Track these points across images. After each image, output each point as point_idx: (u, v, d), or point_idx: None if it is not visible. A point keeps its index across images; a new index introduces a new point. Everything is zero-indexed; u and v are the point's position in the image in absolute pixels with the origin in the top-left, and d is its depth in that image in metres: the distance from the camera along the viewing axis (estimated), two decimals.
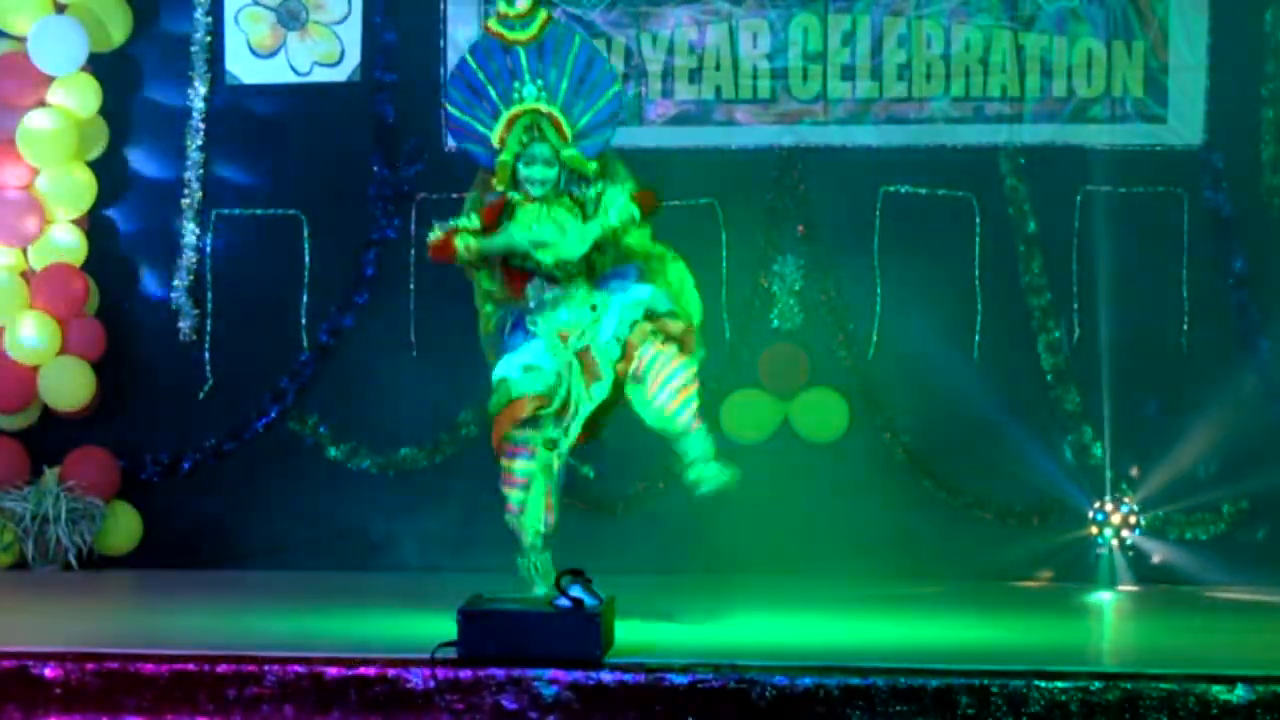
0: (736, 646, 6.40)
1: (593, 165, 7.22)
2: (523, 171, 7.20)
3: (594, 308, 7.16)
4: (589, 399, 7.10)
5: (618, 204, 7.18)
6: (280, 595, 8.05)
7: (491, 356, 7.36)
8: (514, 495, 7.18)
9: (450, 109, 7.45)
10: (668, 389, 7.07)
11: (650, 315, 7.12)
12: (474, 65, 7.28)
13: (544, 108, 7.21)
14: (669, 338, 7.12)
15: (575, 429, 7.14)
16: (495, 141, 7.26)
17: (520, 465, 7.15)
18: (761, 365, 9.08)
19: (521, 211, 7.20)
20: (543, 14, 7.24)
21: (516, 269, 7.26)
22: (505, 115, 7.24)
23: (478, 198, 7.38)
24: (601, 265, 7.28)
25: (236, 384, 9.28)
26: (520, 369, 7.11)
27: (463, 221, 7.27)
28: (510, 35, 7.22)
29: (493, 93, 7.26)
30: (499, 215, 7.25)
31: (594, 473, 7.42)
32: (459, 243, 7.24)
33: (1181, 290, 8.93)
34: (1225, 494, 8.86)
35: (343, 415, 9.24)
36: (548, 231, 7.13)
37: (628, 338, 7.09)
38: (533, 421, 7.11)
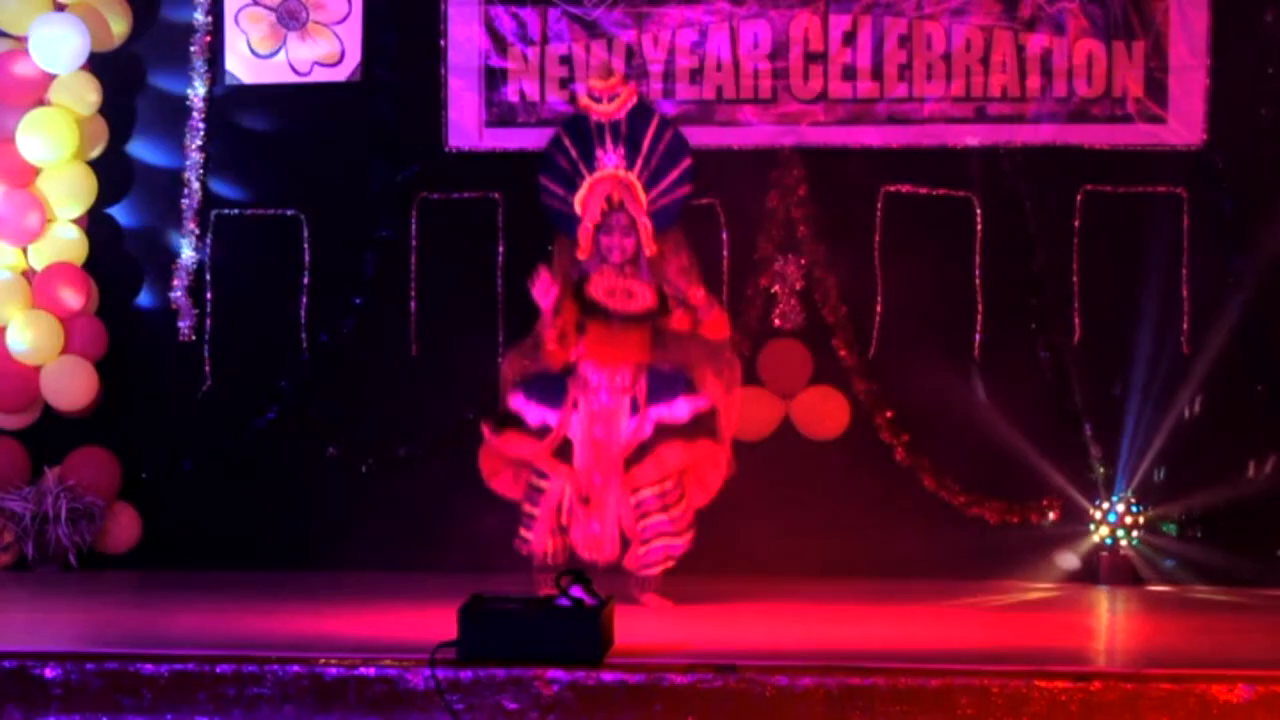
0: (736, 646, 6.40)
1: (653, 247, 7.73)
2: (603, 240, 7.72)
3: (632, 401, 7.67)
4: (587, 487, 7.66)
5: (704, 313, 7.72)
6: (280, 595, 8.05)
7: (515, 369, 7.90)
8: (528, 536, 7.77)
9: (541, 182, 7.92)
10: (648, 550, 7.69)
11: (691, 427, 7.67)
12: (563, 138, 7.90)
13: (623, 175, 7.75)
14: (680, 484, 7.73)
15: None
16: (577, 206, 7.78)
17: (529, 510, 7.77)
18: (762, 364, 9.08)
19: (598, 278, 7.75)
20: (626, 91, 7.85)
21: (600, 323, 7.75)
22: (588, 181, 7.78)
23: (559, 254, 7.93)
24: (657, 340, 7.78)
25: (236, 384, 9.29)
26: (540, 425, 7.70)
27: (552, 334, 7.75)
28: (597, 107, 7.80)
29: (578, 161, 7.82)
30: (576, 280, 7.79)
31: None
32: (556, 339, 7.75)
33: (1181, 290, 8.93)
34: (1224, 494, 8.85)
35: (342, 415, 9.24)
36: (618, 295, 7.74)
37: (656, 450, 7.65)
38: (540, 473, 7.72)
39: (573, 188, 7.82)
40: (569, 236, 7.83)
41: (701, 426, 7.68)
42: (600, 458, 7.63)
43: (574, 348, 7.74)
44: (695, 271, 7.82)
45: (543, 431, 7.66)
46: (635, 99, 7.85)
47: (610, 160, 7.77)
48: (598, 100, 7.83)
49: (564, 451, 7.67)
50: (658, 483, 7.62)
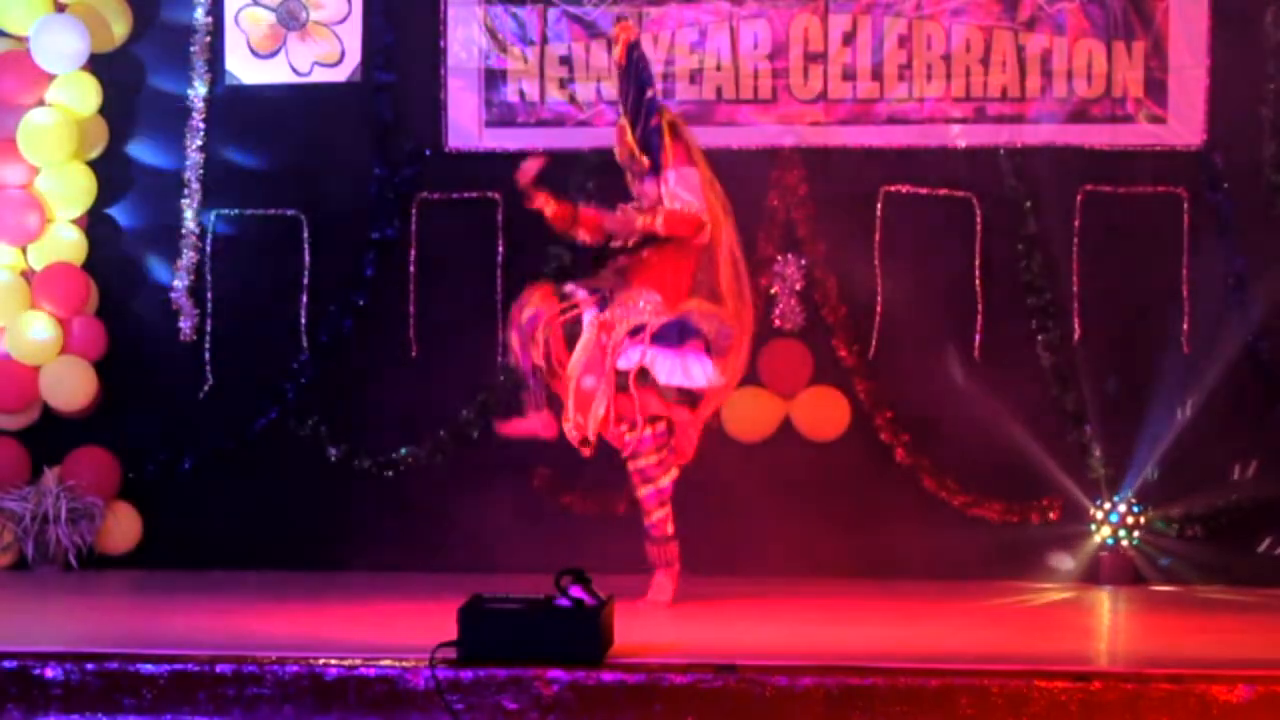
0: (736, 646, 6.40)
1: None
2: (635, 187, 7.92)
3: (635, 329, 7.65)
4: (574, 388, 7.65)
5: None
6: (280, 595, 8.05)
7: None
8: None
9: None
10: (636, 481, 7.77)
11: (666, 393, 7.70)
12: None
13: (621, 120, 7.91)
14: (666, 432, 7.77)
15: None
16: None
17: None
18: (762, 364, 9.08)
19: None
20: (624, 34, 7.94)
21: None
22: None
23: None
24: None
25: (236, 384, 9.28)
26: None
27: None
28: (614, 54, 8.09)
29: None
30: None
31: None
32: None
33: (1181, 290, 8.93)
34: (1225, 494, 8.85)
35: (342, 415, 9.24)
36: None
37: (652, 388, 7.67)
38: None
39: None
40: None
41: (687, 397, 7.73)
42: (596, 363, 7.61)
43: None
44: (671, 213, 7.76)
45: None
46: (631, 35, 7.91)
47: (619, 109, 7.97)
48: (613, 45, 8.03)
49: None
50: (646, 424, 7.68)
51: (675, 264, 7.75)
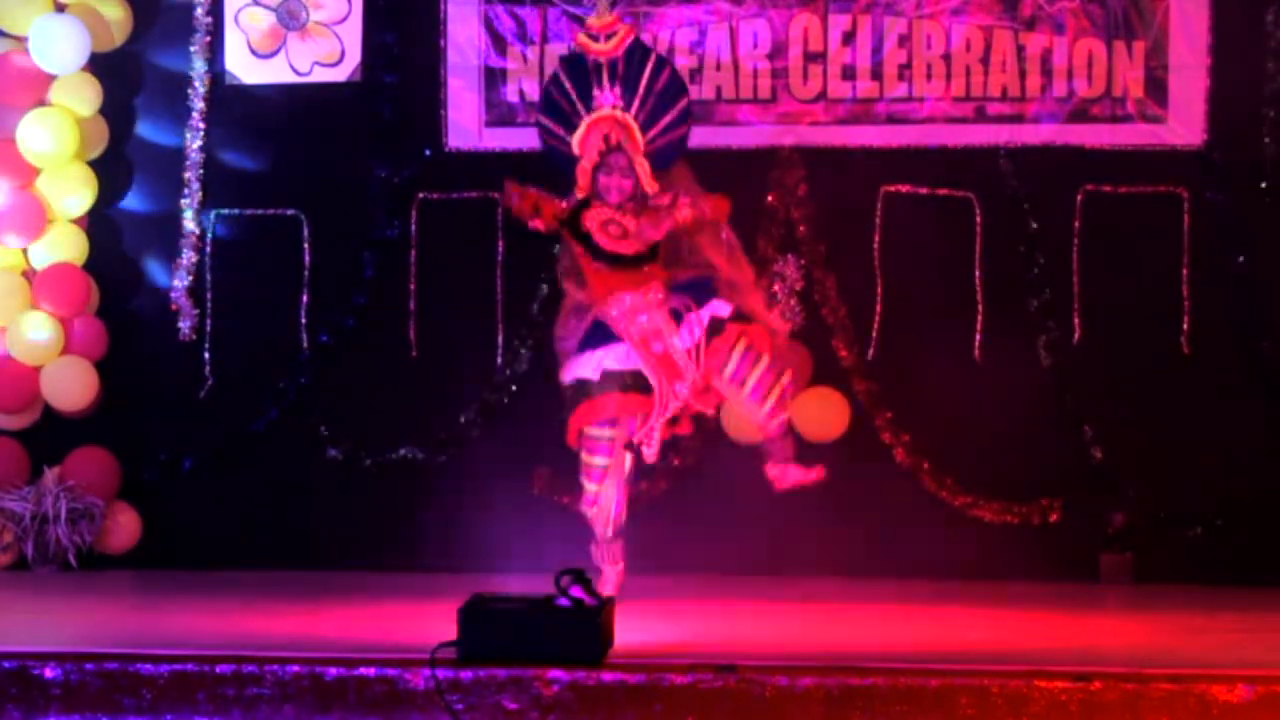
0: (736, 646, 6.40)
1: (653, 186, 7.70)
2: (601, 180, 7.68)
3: (674, 313, 7.63)
4: (674, 398, 7.62)
5: (688, 204, 7.62)
6: (280, 595, 8.05)
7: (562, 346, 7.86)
8: (591, 486, 7.69)
9: (541, 121, 7.91)
10: (759, 390, 7.64)
11: (733, 319, 7.66)
12: (562, 77, 7.85)
13: (620, 115, 7.70)
14: (751, 344, 7.65)
15: (658, 430, 7.66)
16: (576, 146, 7.74)
17: (599, 460, 7.65)
18: None
19: (594, 210, 7.67)
20: (623, 29, 7.80)
21: (598, 266, 7.68)
22: (585, 121, 7.73)
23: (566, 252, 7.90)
24: (678, 264, 7.77)
25: (236, 384, 9.28)
26: (601, 372, 7.62)
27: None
28: (594, 46, 7.76)
29: (576, 100, 7.76)
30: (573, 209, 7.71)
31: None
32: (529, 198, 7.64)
33: (1181, 290, 8.93)
34: (1225, 493, 8.86)
35: (343, 415, 9.24)
36: (612, 229, 7.66)
37: (714, 340, 7.61)
38: (612, 420, 7.62)
39: (571, 128, 7.76)
40: (568, 176, 7.77)
41: (741, 318, 7.69)
42: (669, 370, 7.61)
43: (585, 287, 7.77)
44: (704, 198, 7.72)
45: (610, 377, 7.65)
46: (632, 37, 7.81)
47: (607, 100, 7.73)
48: (595, 39, 7.77)
49: (640, 385, 7.65)
50: (733, 351, 7.59)
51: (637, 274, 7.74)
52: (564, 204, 7.67)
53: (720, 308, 7.65)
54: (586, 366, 7.65)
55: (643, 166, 7.68)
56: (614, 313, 7.64)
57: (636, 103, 7.72)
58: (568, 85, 7.80)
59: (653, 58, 7.82)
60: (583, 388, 7.64)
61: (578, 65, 7.81)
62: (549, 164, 7.94)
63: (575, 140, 7.74)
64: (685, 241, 7.74)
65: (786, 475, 7.83)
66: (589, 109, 7.74)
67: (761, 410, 7.68)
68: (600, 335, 7.66)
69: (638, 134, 7.70)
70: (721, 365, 7.60)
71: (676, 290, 7.68)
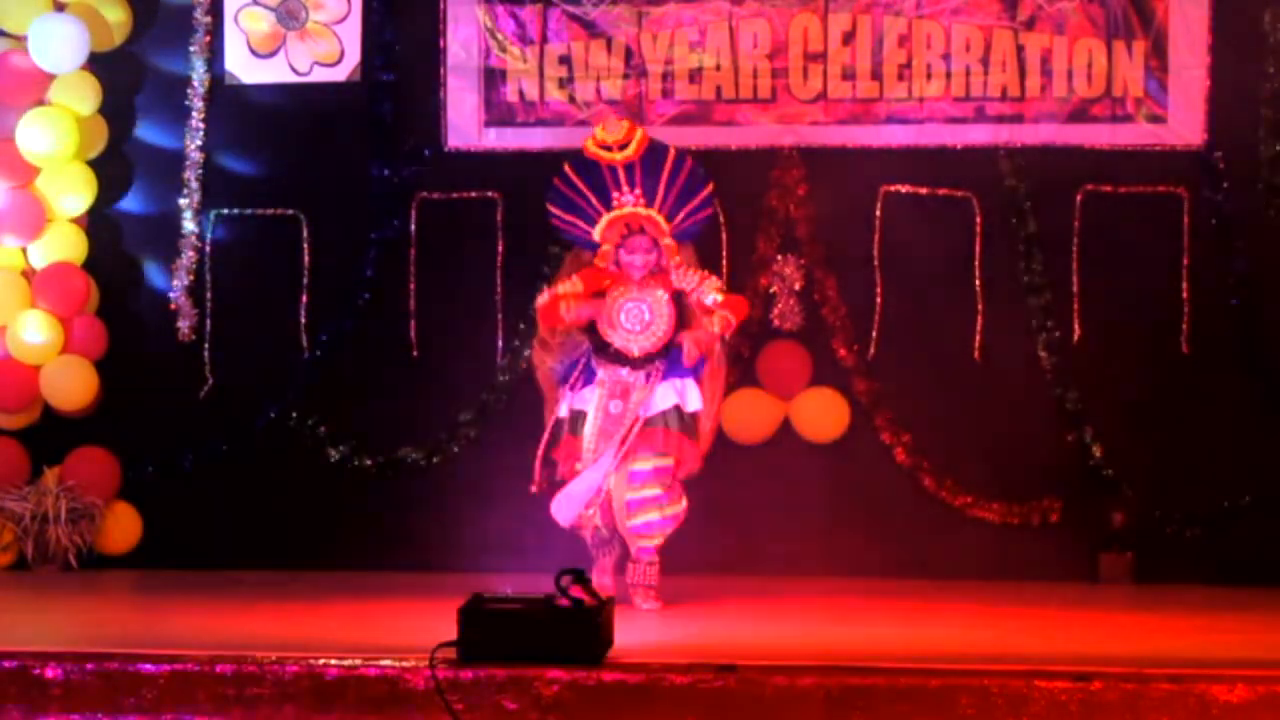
0: (736, 646, 6.40)
1: (676, 258, 7.78)
2: (624, 258, 7.76)
3: (650, 374, 7.74)
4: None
5: (714, 291, 7.75)
6: (280, 595, 8.05)
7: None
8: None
9: (552, 210, 7.91)
10: (642, 519, 7.68)
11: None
12: (573, 176, 7.83)
13: (643, 212, 7.75)
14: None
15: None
16: (596, 236, 7.81)
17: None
18: (761, 365, 9.08)
19: (611, 299, 7.76)
20: (639, 134, 7.77)
21: (597, 349, 7.81)
22: (607, 217, 7.79)
23: (572, 263, 7.98)
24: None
25: (236, 384, 9.28)
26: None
27: (565, 287, 7.75)
28: (608, 157, 7.76)
29: (593, 199, 7.79)
30: (599, 286, 7.78)
31: None
32: (562, 306, 7.69)
33: (1181, 290, 8.93)
34: (1225, 493, 8.85)
35: (342, 415, 9.24)
36: (633, 316, 7.75)
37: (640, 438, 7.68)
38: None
39: (589, 220, 7.82)
40: (587, 251, 7.89)
41: (690, 425, 7.76)
42: (609, 428, 7.67)
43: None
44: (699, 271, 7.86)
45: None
46: (647, 142, 7.79)
47: (628, 200, 7.76)
48: (609, 150, 7.75)
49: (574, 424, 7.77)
50: (655, 456, 7.66)
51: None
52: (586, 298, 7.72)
53: (691, 393, 7.74)
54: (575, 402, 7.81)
55: (668, 248, 7.76)
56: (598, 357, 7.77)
57: (658, 200, 7.76)
58: (581, 185, 7.81)
59: (671, 155, 7.81)
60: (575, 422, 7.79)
61: (590, 166, 7.81)
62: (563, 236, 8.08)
63: (596, 232, 7.80)
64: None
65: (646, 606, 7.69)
66: (609, 208, 7.79)
67: (634, 539, 7.75)
68: (589, 374, 7.82)
69: (662, 223, 7.76)
70: (638, 454, 7.66)
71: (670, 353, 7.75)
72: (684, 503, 7.78)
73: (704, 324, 7.72)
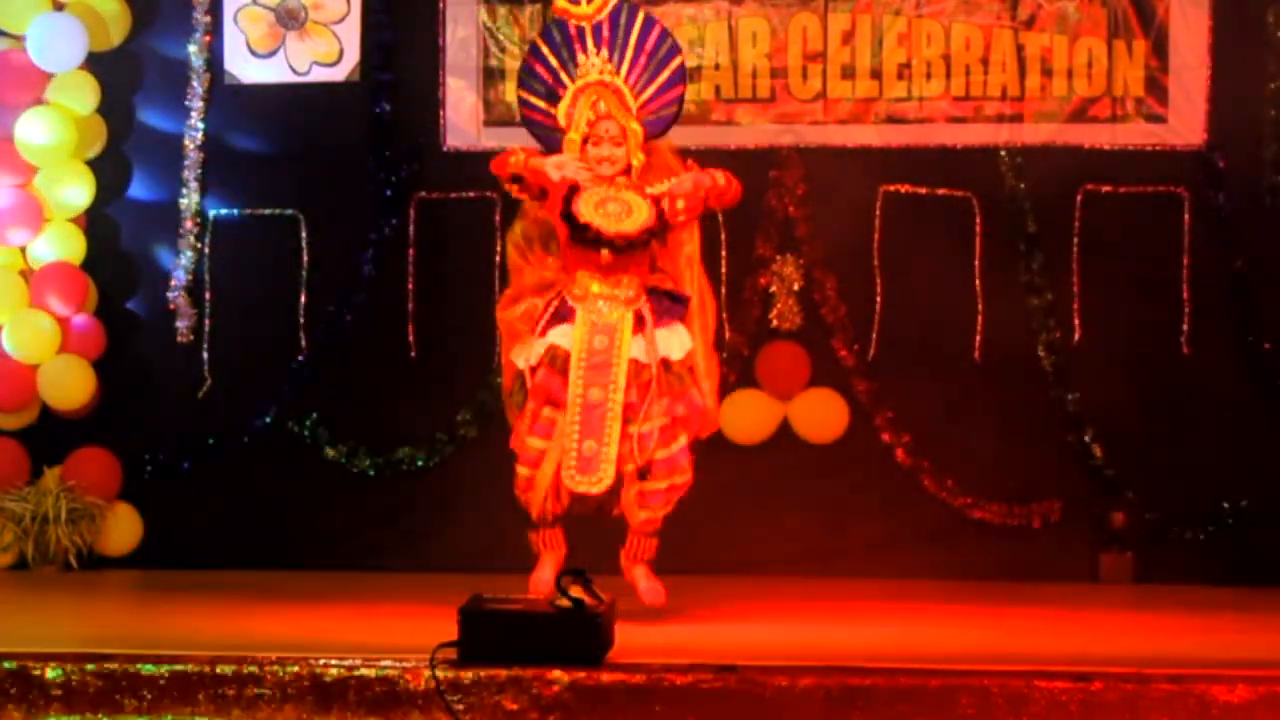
0: (736, 646, 6.40)
1: (640, 157, 7.19)
2: (591, 151, 7.17)
3: (638, 316, 7.17)
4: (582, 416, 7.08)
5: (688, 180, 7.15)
6: (280, 595, 8.04)
7: (519, 346, 7.34)
8: (524, 470, 7.21)
9: (522, 96, 7.39)
10: (653, 492, 7.16)
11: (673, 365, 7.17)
12: (542, 45, 7.31)
13: (608, 80, 7.20)
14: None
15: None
16: (561, 118, 7.24)
17: (535, 440, 7.17)
18: (760, 366, 9.08)
19: (588, 193, 7.13)
20: None
21: (576, 247, 7.20)
22: (570, 90, 7.22)
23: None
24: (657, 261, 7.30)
25: (235, 384, 9.28)
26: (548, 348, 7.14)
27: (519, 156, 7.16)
28: (575, 10, 7.23)
29: (558, 69, 7.25)
30: (564, 195, 7.15)
31: None
32: (514, 158, 7.15)
33: (1181, 290, 8.93)
34: (1225, 493, 8.85)
35: (341, 415, 9.24)
36: (612, 208, 7.11)
37: (647, 380, 7.09)
38: (554, 402, 7.11)
39: (555, 99, 7.22)
40: (554, 151, 7.24)
41: (688, 377, 7.22)
42: (599, 373, 7.08)
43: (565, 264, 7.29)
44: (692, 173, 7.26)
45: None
46: None
47: (594, 65, 7.18)
48: (576, 3, 7.20)
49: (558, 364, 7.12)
50: (662, 414, 7.09)
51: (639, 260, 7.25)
52: (558, 182, 7.09)
53: (679, 346, 7.19)
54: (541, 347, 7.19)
55: (634, 134, 7.16)
56: (577, 291, 7.18)
57: (626, 65, 7.18)
58: (548, 54, 7.25)
59: (640, 15, 7.25)
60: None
61: (559, 32, 7.26)
62: (531, 133, 7.50)
63: (560, 112, 7.21)
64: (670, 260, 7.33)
65: (646, 586, 7.24)
66: (574, 77, 7.20)
67: (642, 494, 7.16)
68: (562, 323, 7.19)
69: (629, 98, 7.17)
70: (643, 413, 7.06)
71: (652, 296, 7.23)
72: (690, 474, 7.20)
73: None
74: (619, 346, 7.12)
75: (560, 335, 7.16)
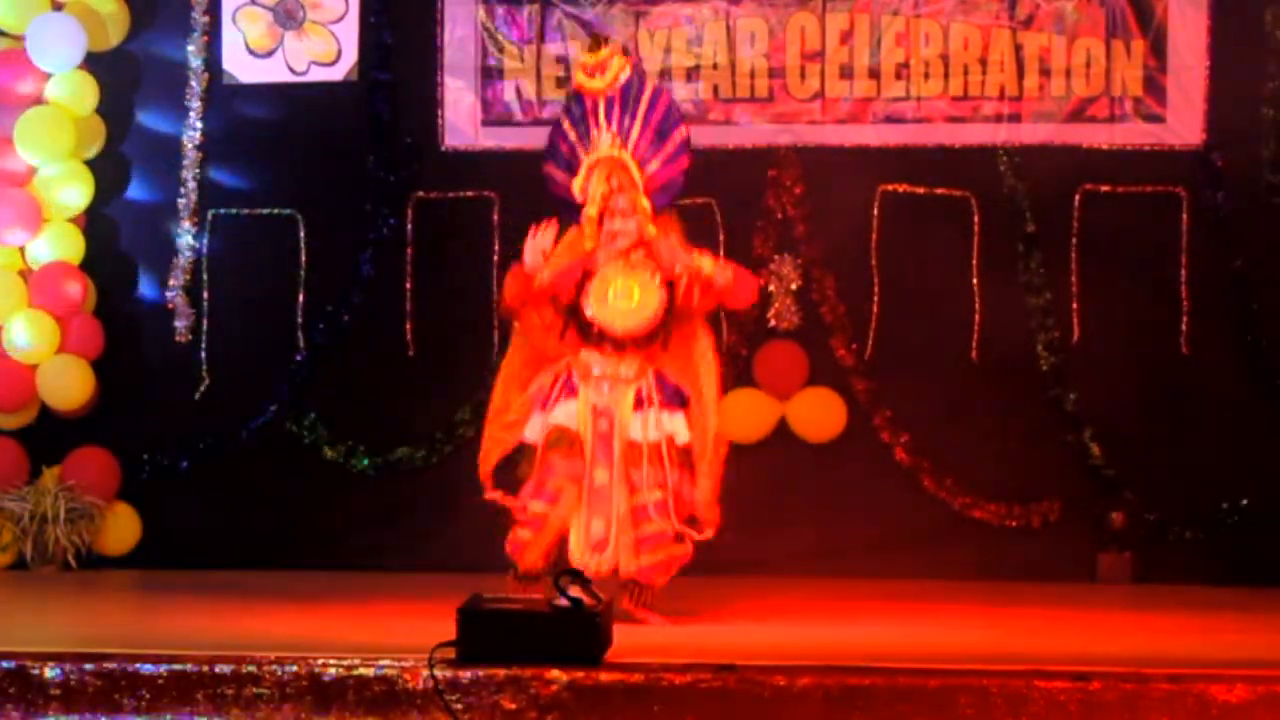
0: (735, 646, 6.39)
1: (651, 229, 7.21)
2: (608, 226, 7.22)
3: (640, 398, 7.21)
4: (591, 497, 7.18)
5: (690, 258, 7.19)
6: (279, 595, 8.04)
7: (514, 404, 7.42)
8: (524, 533, 7.25)
9: (545, 167, 7.43)
10: (653, 563, 7.17)
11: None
12: (564, 119, 7.39)
13: (617, 154, 7.23)
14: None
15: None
16: (578, 192, 7.28)
17: (539, 504, 7.25)
18: (758, 366, 9.08)
19: (600, 277, 7.21)
20: (618, 62, 7.26)
21: (580, 330, 7.27)
22: (585, 164, 7.27)
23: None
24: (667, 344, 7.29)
25: (234, 384, 9.28)
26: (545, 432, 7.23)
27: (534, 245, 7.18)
28: (589, 85, 7.26)
29: (576, 143, 7.31)
30: (580, 275, 7.23)
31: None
32: (529, 255, 7.18)
33: (1180, 290, 8.93)
34: (1225, 493, 8.86)
35: (340, 415, 9.24)
36: (623, 300, 7.18)
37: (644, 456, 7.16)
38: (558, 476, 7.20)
39: (574, 173, 7.29)
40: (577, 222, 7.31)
41: (687, 459, 7.26)
42: (604, 453, 7.19)
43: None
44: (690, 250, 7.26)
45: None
46: (628, 69, 7.28)
47: (605, 139, 7.23)
48: (590, 77, 7.25)
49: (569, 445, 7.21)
50: (659, 487, 7.16)
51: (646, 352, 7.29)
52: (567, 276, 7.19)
53: (682, 430, 7.22)
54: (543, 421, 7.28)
55: (643, 210, 7.20)
56: (579, 371, 7.24)
57: (635, 137, 7.22)
58: (568, 128, 7.32)
59: (649, 87, 7.33)
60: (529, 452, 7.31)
61: (577, 106, 7.34)
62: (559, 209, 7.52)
63: (577, 186, 7.26)
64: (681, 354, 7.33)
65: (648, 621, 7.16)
66: (589, 151, 7.25)
67: (643, 567, 7.15)
68: (569, 387, 7.28)
69: (634, 172, 7.21)
70: (642, 487, 7.13)
71: (656, 379, 7.25)
72: (689, 545, 7.24)
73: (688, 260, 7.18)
74: (618, 426, 7.19)
75: (565, 415, 7.22)
